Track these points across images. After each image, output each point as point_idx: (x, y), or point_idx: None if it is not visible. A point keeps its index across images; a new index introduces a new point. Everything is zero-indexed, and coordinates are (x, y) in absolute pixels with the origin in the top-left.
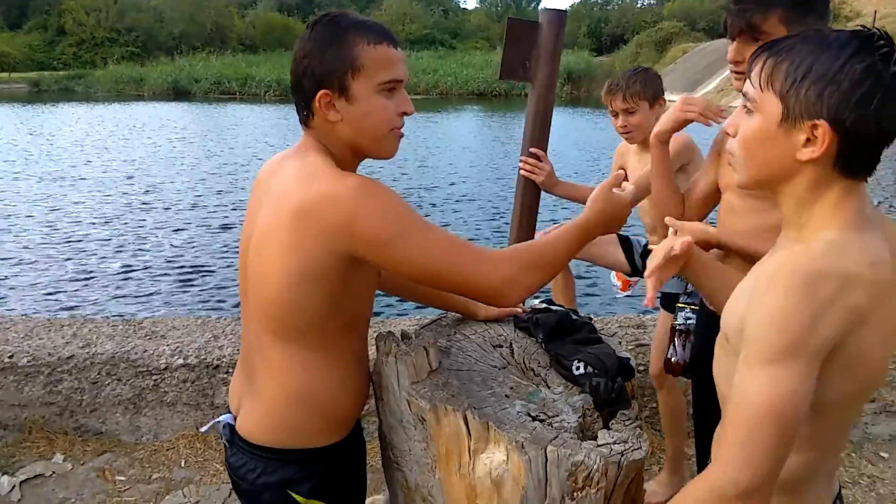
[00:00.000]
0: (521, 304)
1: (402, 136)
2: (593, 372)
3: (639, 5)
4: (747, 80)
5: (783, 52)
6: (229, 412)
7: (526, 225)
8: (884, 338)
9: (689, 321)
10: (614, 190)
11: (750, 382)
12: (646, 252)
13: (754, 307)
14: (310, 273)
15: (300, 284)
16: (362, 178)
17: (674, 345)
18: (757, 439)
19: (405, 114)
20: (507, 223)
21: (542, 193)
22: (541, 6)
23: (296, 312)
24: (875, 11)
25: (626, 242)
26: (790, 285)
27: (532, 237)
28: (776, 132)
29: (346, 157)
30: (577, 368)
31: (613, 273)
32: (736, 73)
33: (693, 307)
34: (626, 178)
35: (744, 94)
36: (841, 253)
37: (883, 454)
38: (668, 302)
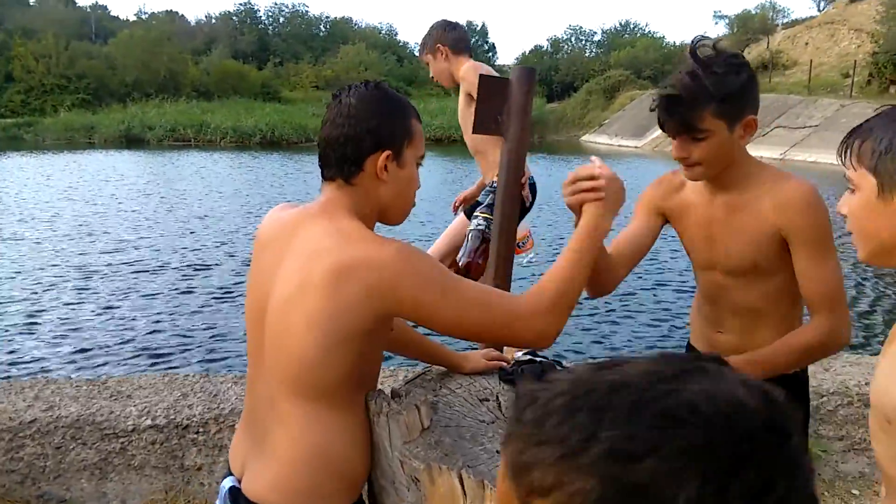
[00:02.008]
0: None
1: None
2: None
3: (587, 55)
4: (843, 164)
5: (864, 133)
6: (230, 474)
7: (503, 275)
8: None
9: (479, 226)
10: (596, 170)
11: None
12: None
13: None
14: (345, 333)
15: (334, 344)
16: (400, 243)
17: (465, 245)
18: None
19: (417, 188)
20: None
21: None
22: (496, 56)
23: (324, 371)
24: (811, 61)
25: None
26: None
27: (509, 285)
28: (877, 204)
29: (371, 220)
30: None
31: None
32: (685, 166)
33: (486, 216)
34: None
35: (845, 177)
36: None
37: (854, 491)
38: (470, 210)
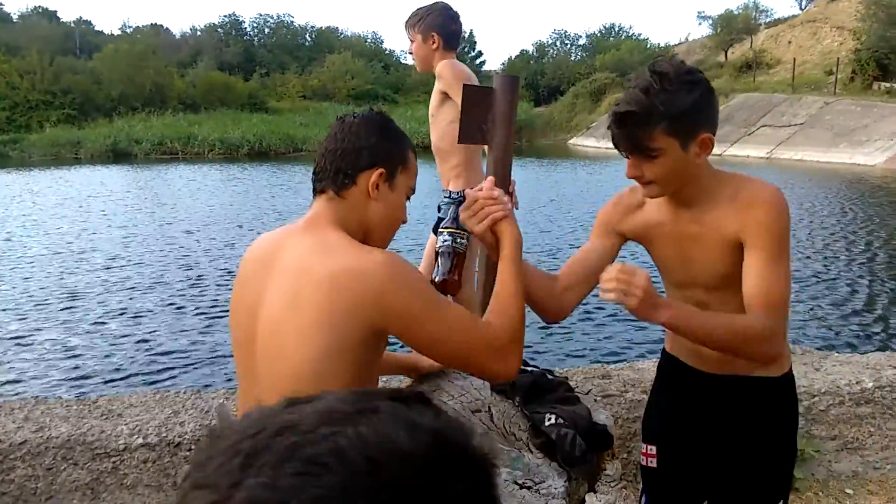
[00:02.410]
0: None
1: None
2: (564, 423)
3: (572, 58)
4: None
5: None
6: None
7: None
8: None
9: (445, 242)
10: (493, 191)
11: None
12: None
13: None
14: (337, 347)
15: (327, 359)
16: (387, 253)
17: (437, 265)
18: None
19: (403, 221)
20: None
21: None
22: (481, 61)
23: (321, 384)
24: (794, 59)
25: None
26: None
27: None
28: None
29: (356, 237)
30: (549, 419)
31: None
32: (640, 184)
33: (450, 230)
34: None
35: None
36: None
37: (848, 490)
38: (436, 226)
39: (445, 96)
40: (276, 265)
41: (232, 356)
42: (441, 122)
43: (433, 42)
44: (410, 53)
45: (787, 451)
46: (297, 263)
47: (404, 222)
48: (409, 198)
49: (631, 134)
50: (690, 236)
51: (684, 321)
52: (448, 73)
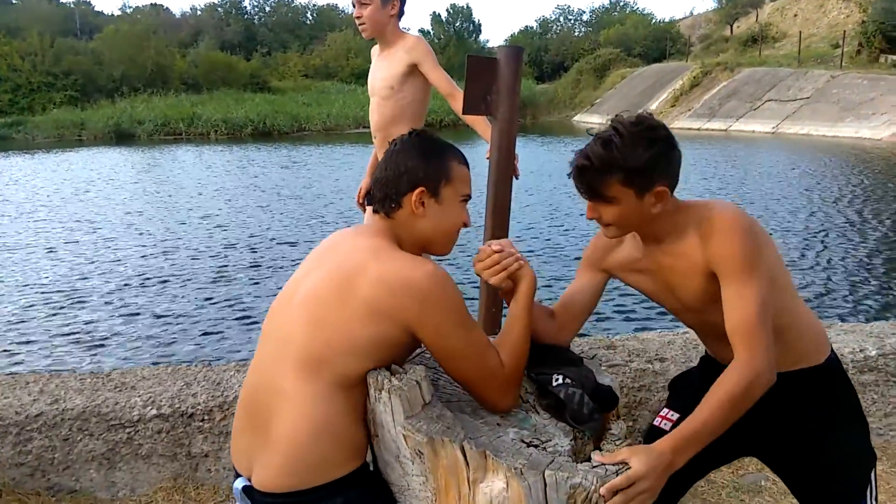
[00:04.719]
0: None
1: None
2: (571, 383)
3: (576, 34)
4: None
5: None
6: (238, 477)
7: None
8: None
9: None
10: (508, 246)
11: None
12: None
13: None
14: (376, 337)
15: (363, 346)
16: (436, 267)
17: None
18: None
19: (465, 224)
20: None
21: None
22: (481, 37)
23: (351, 359)
24: (800, 32)
25: None
26: None
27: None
28: None
29: (413, 249)
30: (556, 380)
31: None
32: (601, 224)
33: None
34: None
35: None
36: None
37: None
38: None
39: (412, 70)
40: (332, 253)
41: (239, 332)
42: (403, 98)
43: (392, 7)
44: (358, 18)
45: (856, 426)
46: (352, 257)
47: (466, 226)
48: (465, 202)
49: (587, 182)
50: (666, 268)
51: (693, 447)
52: (423, 48)
